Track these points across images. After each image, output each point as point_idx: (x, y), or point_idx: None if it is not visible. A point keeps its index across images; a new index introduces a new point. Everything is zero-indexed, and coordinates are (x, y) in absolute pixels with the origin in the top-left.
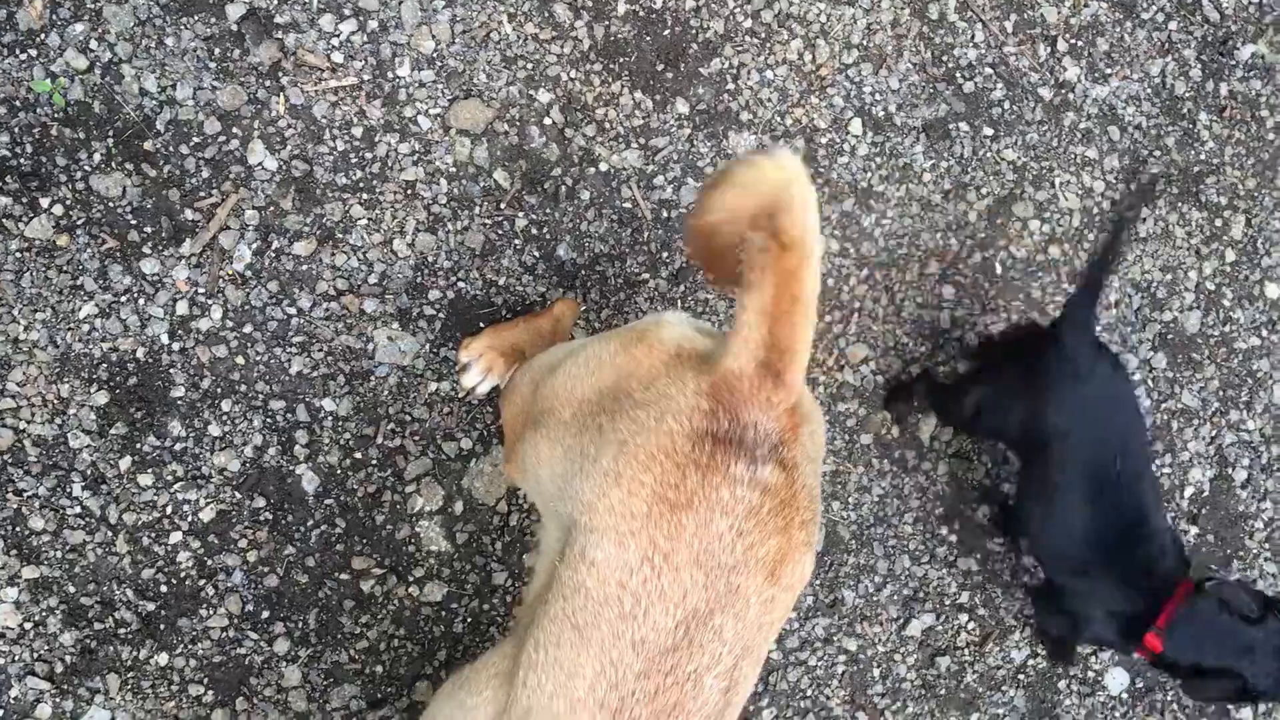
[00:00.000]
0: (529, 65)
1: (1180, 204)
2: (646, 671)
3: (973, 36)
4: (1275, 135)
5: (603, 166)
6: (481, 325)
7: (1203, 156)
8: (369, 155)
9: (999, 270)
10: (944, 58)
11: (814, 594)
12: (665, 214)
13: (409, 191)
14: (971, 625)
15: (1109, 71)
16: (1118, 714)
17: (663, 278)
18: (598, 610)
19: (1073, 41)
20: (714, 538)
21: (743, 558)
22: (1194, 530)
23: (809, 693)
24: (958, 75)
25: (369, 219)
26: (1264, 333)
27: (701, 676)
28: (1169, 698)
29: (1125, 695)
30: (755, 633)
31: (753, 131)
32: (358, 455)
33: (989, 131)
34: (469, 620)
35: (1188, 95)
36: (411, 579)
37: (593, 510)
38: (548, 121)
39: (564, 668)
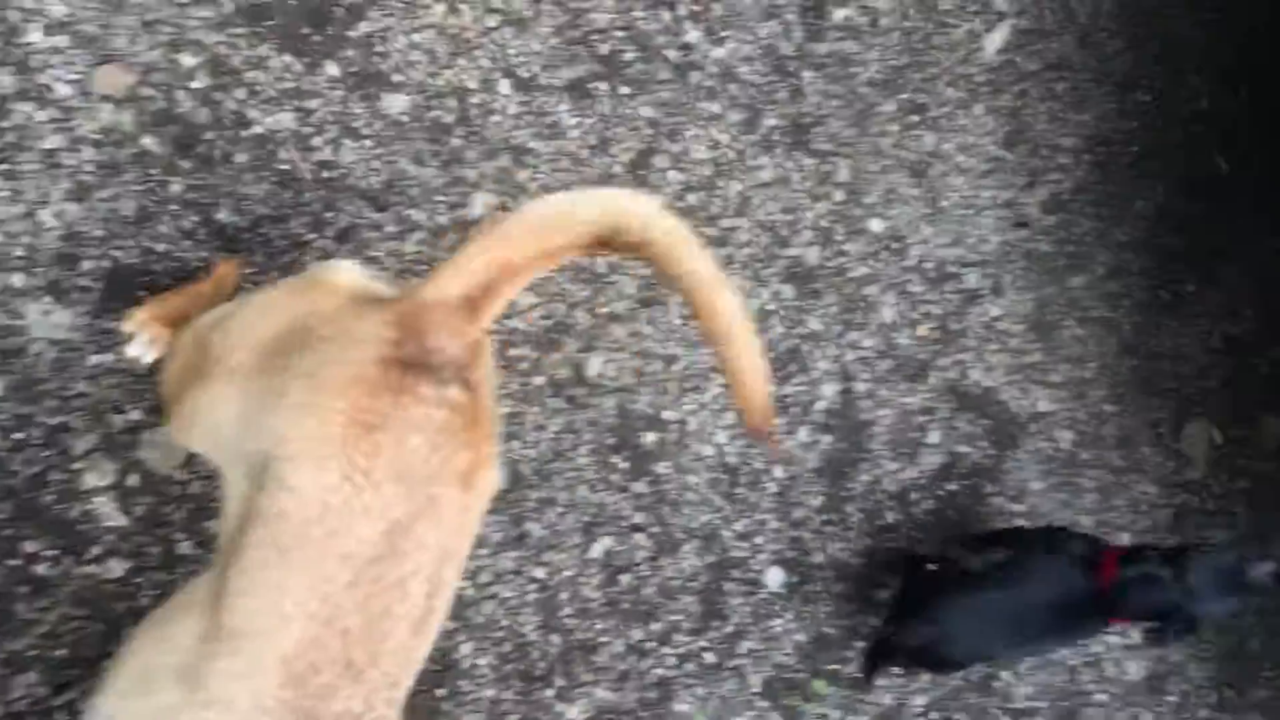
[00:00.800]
0: (170, 29)
1: (794, 152)
2: (355, 581)
3: (603, 1)
4: (866, 89)
5: (257, 129)
6: (143, 294)
7: (808, 109)
8: (3, 125)
9: None
10: (579, 21)
11: (502, 530)
12: (325, 174)
13: (50, 160)
14: (647, 542)
15: (725, 34)
16: (777, 608)
17: (329, 237)
18: (302, 530)
19: (692, 7)
20: (410, 453)
21: (438, 470)
22: (829, 439)
23: (503, 622)
24: (593, 38)
25: (9, 190)
26: (871, 262)
27: (407, 582)
28: (820, 590)
29: (783, 589)
30: (454, 538)
31: (406, 93)
32: (18, 436)
33: (626, 90)
34: (156, 593)
35: (792, 54)
36: (89, 557)
37: (287, 441)
38: (195, 85)
39: (272, 587)
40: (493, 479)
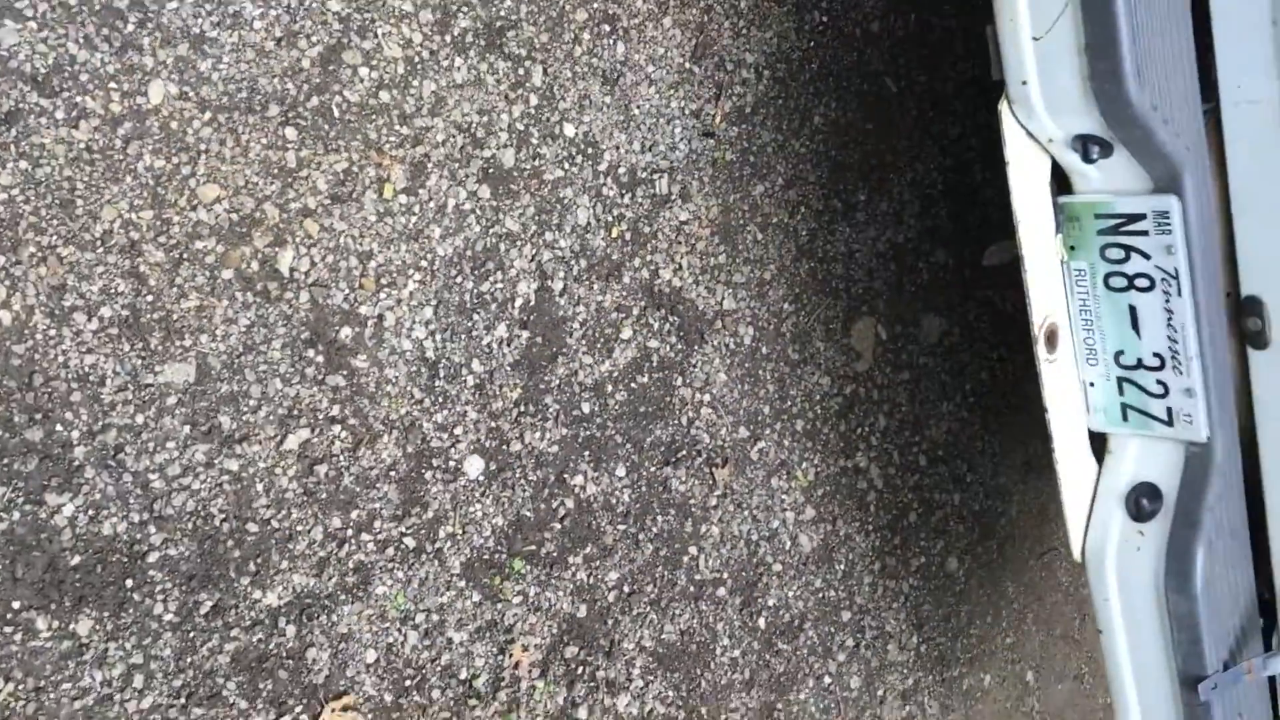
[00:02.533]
0: None
1: (488, 55)
2: None
3: None
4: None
5: None
6: None
7: (503, 13)
8: None
9: (336, 114)
10: None
11: (190, 423)
12: None
13: None
14: (344, 434)
15: None
16: (476, 494)
17: None
18: None
19: None
20: None
21: None
22: (526, 334)
23: (197, 511)
24: None
25: None
26: (566, 166)
27: None
28: (518, 476)
29: (482, 477)
30: None
31: None
32: None
33: None
34: None
35: None
36: None
37: None
38: None
39: None
40: None
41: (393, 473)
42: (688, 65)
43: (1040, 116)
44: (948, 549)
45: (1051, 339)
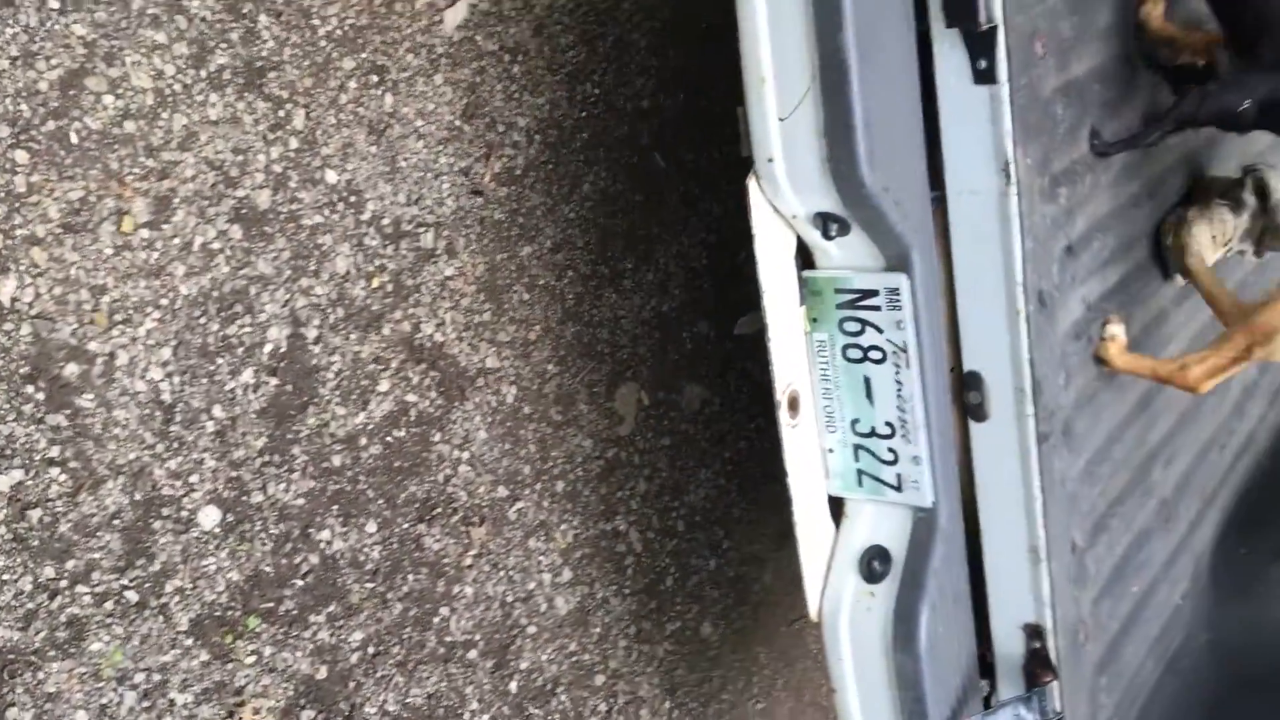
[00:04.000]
0: None
1: (247, 94)
2: None
3: None
4: (326, 43)
5: None
6: None
7: (264, 54)
8: None
9: (74, 140)
10: None
11: None
12: None
13: None
14: (64, 477)
15: None
16: (211, 547)
17: None
18: None
19: None
20: None
21: None
22: (274, 381)
23: None
24: None
25: None
26: (326, 212)
27: None
28: (259, 529)
29: (217, 529)
30: None
31: None
32: None
33: (56, 4)
34: None
35: None
36: None
37: None
38: None
39: None
40: None
41: (116, 521)
42: (458, 123)
43: (785, 193)
44: (703, 614)
45: (794, 405)
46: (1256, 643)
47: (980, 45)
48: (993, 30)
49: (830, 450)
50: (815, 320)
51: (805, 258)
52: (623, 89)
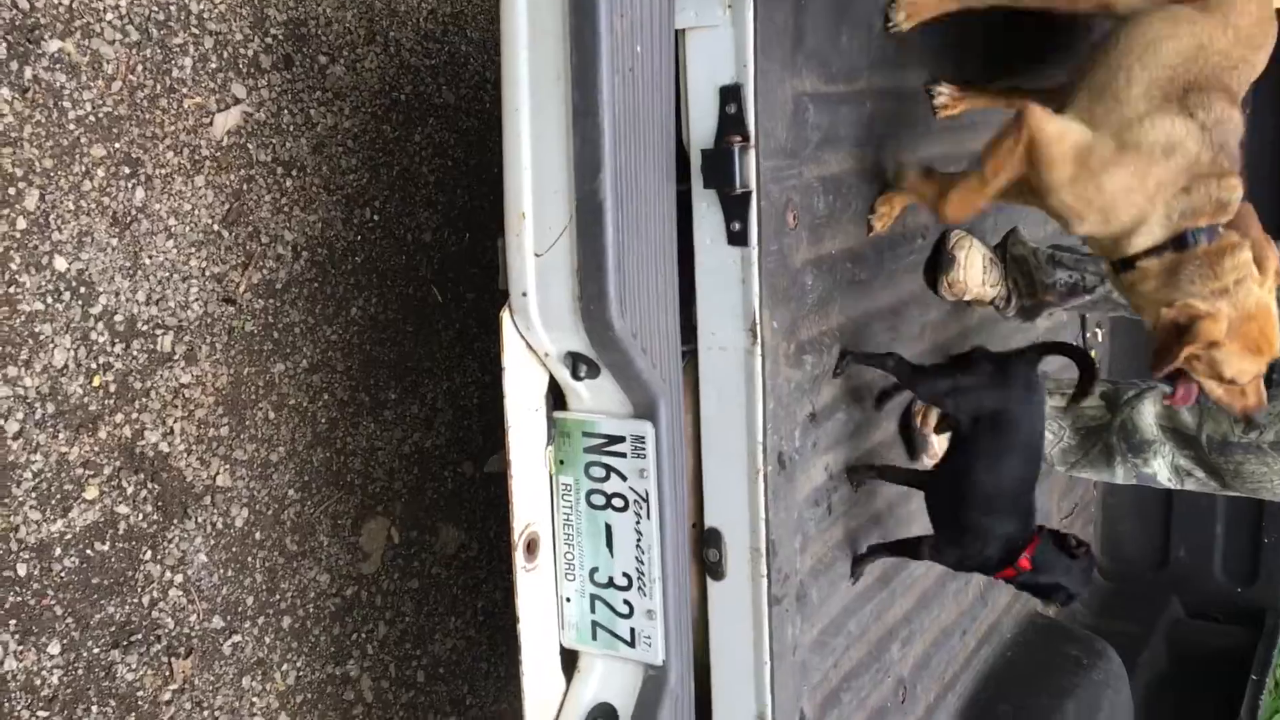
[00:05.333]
0: None
1: None
2: None
3: None
4: (75, 126)
5: None
6: None
7: (1, 129)
8: None
9: None
10: None
11: None
12: None
13: None
14: None
15: None
16: None
17: None
18: None
19: None
20: None
21: None
22: None
23: None
24: None
25: None
26: (49, 300)
27: None
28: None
29: None
30: None
31: None
32: None
33: None
34: None
35: None
36: None
37: None
38: None
39: None
40: None
41: None
42: (216, 227)
43: (537, 329)
44: None
45: (531, 548)
46: None
47: (735, 208)
48: (746, 195)
49: (568, 599)
50: (563, 463)
51: (560, 398)
52: (405, 219)
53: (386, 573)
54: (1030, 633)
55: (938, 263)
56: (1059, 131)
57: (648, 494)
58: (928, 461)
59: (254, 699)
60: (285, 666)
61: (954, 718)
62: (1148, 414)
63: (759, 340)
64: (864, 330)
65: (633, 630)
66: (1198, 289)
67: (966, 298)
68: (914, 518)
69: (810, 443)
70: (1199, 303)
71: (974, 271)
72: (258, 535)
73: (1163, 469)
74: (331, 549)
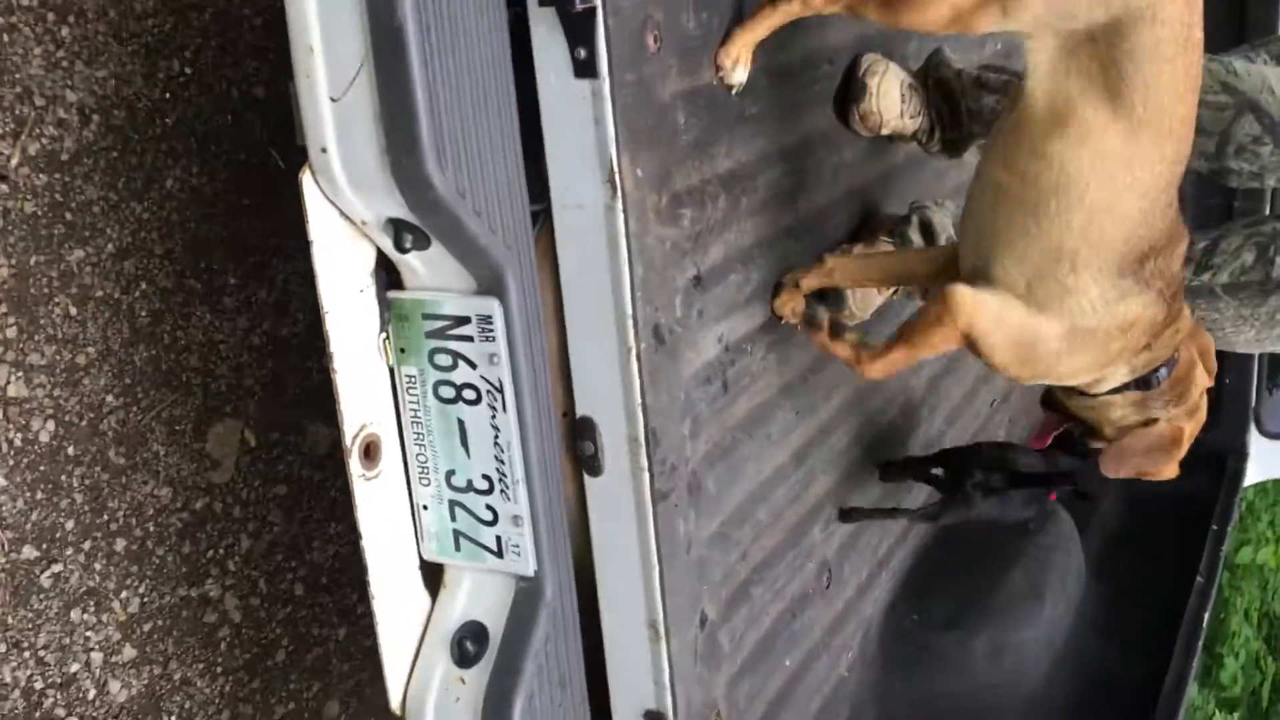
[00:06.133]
0: None
1: None
2: None
3: None
4: None
5: None
6: None
7: None
8: None
9: None
10: None
11: None
12: None
13: None
14: None
15: None
16: None
17: None
18: None
19: None
20: None
21: None
22: None
23: None
24: None
25: None
26: None
27: None
28: None
29: None
30: None
31: None
32: None
33: None
34: None
35: None
36: None
37: None
38: None
39: None
40: None
41: None
42: None
43: (344, 191)
44: (326, 692)
45: (371, 453)
46: (924, 718)
47: (579, 30)
48: (590, 12)
49: (425, 507)
50: (404, 351)
51: (396, 275)
52: (227, 71)
53: (245, 480)
54: None
55: (848, 92)
56: (995, 318)
57: (501, 383)
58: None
59: (88, 633)
60: (125, 594)
61: (887, 597)
62: None
63: (619, 192)
64: (761, 175)
65: (499, 538)
66: (1171, 411)
67: (884, 131)
68: (834, 387)
69: (695, 312)
70: (1183, 423)
71: (890, 101)
72: (70, 450)
73: None
74: (170, 459)
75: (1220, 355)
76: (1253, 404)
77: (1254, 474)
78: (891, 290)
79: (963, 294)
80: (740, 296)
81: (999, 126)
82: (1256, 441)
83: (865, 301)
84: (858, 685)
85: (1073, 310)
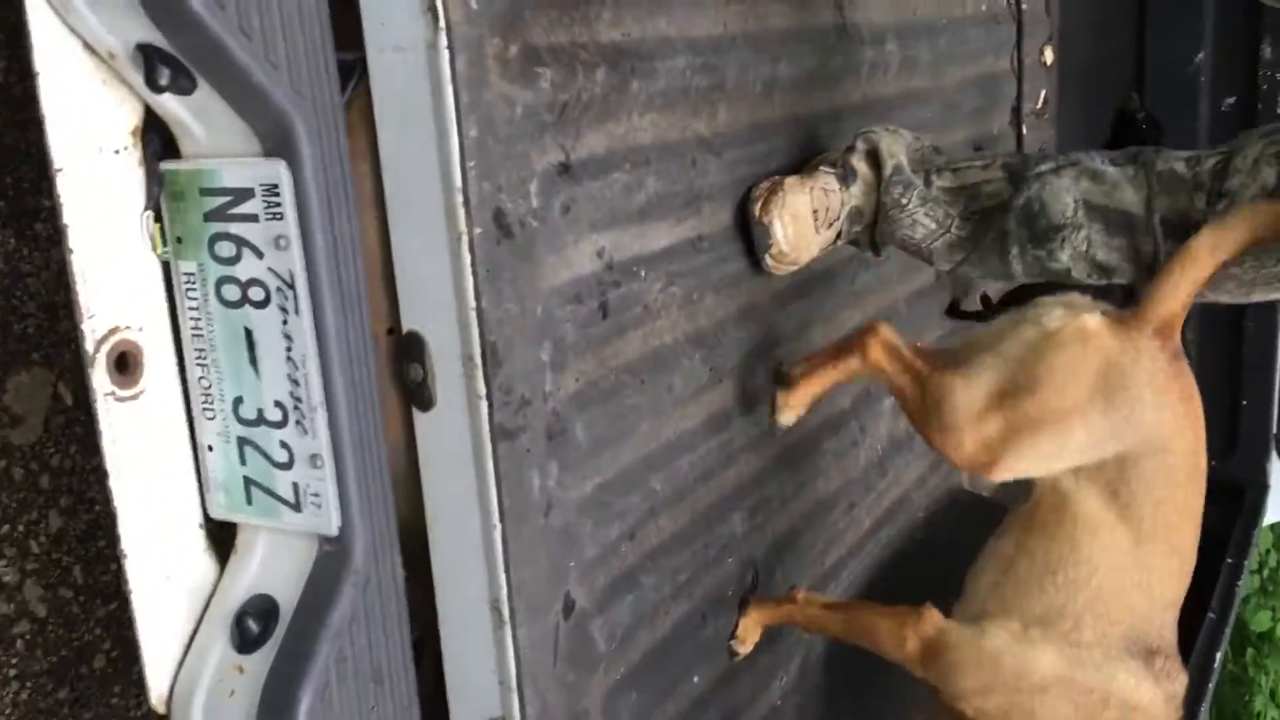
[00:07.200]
0: None
1: None
2: None
3: None
4: None
5: None
6: None
7: None
8: None
9: None
10: None
11: None
12: None
13: None
14: None
15: None
16: None
17: None
18: None
19: None
20: None
21: None
22: None
23: None
24: None
25: None
26: None
27: None
28: None
29: None
30: None
31: None
32: None
33: None
34: None
35: None
36: None
37: None
38: None
39: None
40: None
41: None
42: None
43: (75, 4)
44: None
45: (126, 365)
46: None
47: None
48: None
49: (210, 448)
50: (181, 241)
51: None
52: None
53: (56, 445)
54: (952, 511)
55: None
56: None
57: (292, 276)
58: (770, 262)
59: None
60: None
61: None
62: (1064, 191)
63: (444, 24)
64: (659, 60)
65: (296, 486)
66: None
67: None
68: (765, 350)
69: (560, 205)
70: None
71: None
72: None
73: (1077, 262)
74: None
75: (1237, 374)
76: (1274, 430)
77: (1275, 508)
78: (834, 234)
79: (931, 626)
80: (629, 205)
81: (1013, 510)
82: (1279, 470)
83: (799, 241)
84: (796, 716)
85: (1071, 658)
